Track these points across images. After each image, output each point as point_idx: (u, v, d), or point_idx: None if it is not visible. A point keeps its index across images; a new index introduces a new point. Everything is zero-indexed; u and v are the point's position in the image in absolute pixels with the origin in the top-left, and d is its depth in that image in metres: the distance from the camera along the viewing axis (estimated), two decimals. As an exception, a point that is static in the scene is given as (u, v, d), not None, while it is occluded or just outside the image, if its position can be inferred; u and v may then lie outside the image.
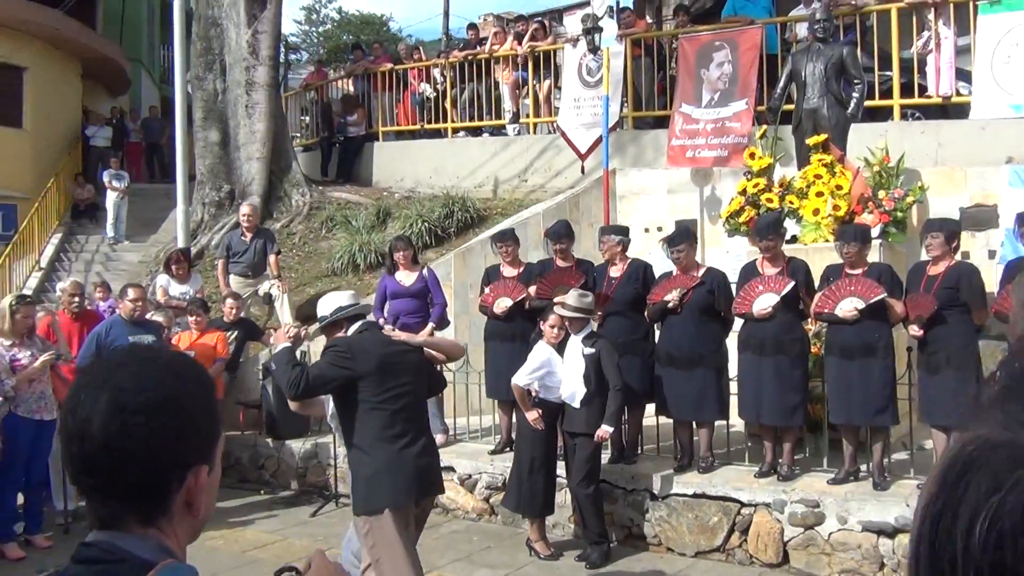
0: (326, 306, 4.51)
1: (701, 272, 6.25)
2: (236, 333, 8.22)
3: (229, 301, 8.29)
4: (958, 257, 5.94)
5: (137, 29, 21.03)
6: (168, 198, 12.54)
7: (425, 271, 7.51)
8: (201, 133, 12.31)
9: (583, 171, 10.41)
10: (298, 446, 7.87)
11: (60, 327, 6.53)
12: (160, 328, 6.83)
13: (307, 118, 15.50)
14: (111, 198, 14.49)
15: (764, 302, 5.78)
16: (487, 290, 7.01)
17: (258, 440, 7.97)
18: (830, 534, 5.43)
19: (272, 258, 9.11)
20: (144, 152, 17.89)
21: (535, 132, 11.99)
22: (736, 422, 6.40)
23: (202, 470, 1.22)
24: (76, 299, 6.68)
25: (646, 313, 6.41)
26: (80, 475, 1.20)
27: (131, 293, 6.21)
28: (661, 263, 7.19)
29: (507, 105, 12.18)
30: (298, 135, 15.41)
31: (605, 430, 5.67)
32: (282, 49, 24.70)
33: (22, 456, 5.90)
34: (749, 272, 6.11)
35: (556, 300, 6.16)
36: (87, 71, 17.14)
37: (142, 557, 1.16)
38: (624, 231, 6.95)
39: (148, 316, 6.76)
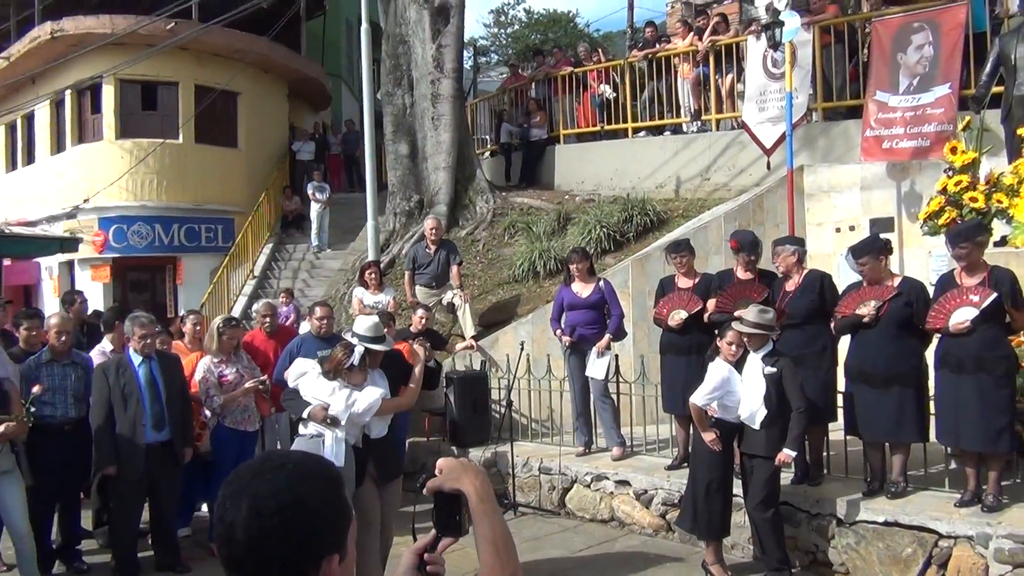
0: (368, 328, 5.14)
1: (897, 282, 5.81)
2: (426, 343, 8.53)
3: (420, 311, 8.61)
4: None
5: (336, 46, 22.34)
6: (366, 207, 13.27)
7: (602, 283, 7.48)
8: (392, 146, 12.89)
9: (768, 167, 9.97)
10: (479, 454, 8.07)
11: (256, 344, 7.07)
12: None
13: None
14: (315, 209, 15.54)
15: (961, 316, 5.29)
16: (661, 302, 6.88)
17: (441, 447, 8.25)
18: (1045, 574, 4.90)
19: (454, 269, 9.41)
20: (344, 163, 18.99)
21: (718, 128, 11.62)
22: (934, 443, 5.90)
23: (334, 559, 1.39)
24: (268, 319, 7.21)
25: (833, 326, 6.04)
26: (231, 571, 1.38)
27: (318, 312, 6.62)
28: (848, 272, 6.76)
29: (688, 102, 11.87)
30: (488, 138, 15.77)
31: (787, 454, 5.41)
32: (471, 53, 25.52)
33: (230, 463, 6.41)
34: (947, 283, 5.60)
35: (735, 314, 5.95)
36: (292, 90, 18.42)
37: None
38: (800, 241, 6.59)
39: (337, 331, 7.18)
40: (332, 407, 5.03)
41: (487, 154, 15.08)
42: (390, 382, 5.27)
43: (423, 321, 8.52)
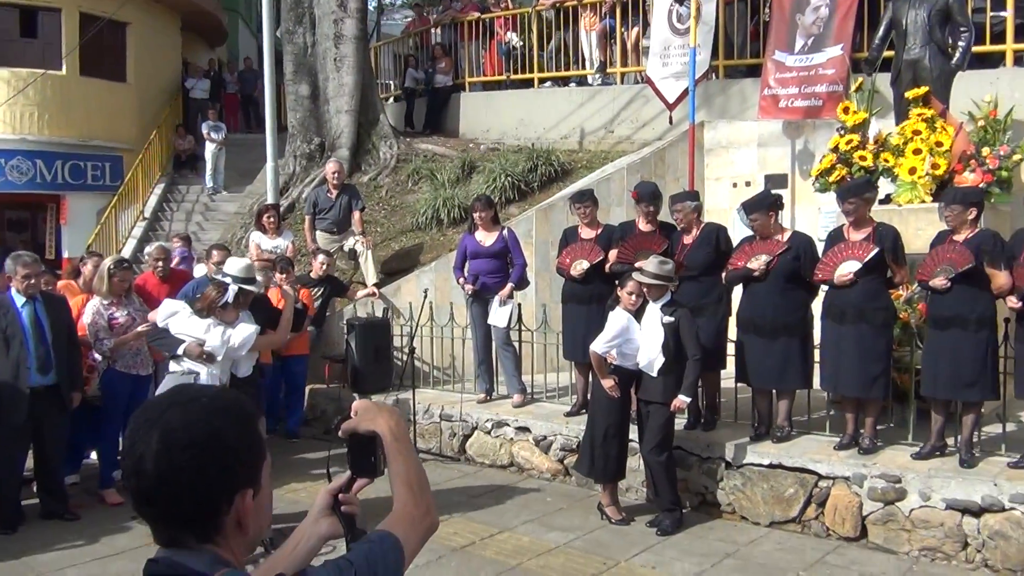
0: (241, 269, 5.43)
1: (786, 236, 6.04)
2: (322, 289, 8.42)
3: (321, 257, 8.47)
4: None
5: (234, -21, 21.39)
6: (264, 149, 12.86)
7: (505, 231, 7.50)
8: (292, 87, 12.50)
9: (671, 122, 10.13)
10: (380, 400, 8.05)
11: (149, 288, 6.83)
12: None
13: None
14: (210, 149, 14.96)
15: (846, 269, 5.56)
16: (564, 252, 6.95)
17: (342, 393, 8.21)
18: (911, 511, 5.26)
19: (357, 214, 9.27)
20: (240, 103, 18.32)
21: (622, 82, 11.72)
22: (818, 390, 6.22)
23: (248, 493, 1.37)
24: (161, 263, 6.96)
25: (723, 277, 6.25)
26: (140, 506, 1.36)
27: (216, 255, 6.45)
28: (743, 226, 6.98)
29: (594, 55, 11.91)
30: (391, 82, 15.47)
31: (682, 400, 5.61)
32: (375, -5, 24.81)
33: (120, 409, 6.23)
34: (835, 237, 5.87)
35: (636, 265, 6.08)
36: (186, 23, 17.59)
37: (199, 570, 1.32)
38: (696, 195, 6.75)
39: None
40: (208, 343, 5.24)
41: (390, 99, 14.81)
42: (258, 324, 5.53)
43: (324, 267, 8.39)
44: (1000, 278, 5.26)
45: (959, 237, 5.40)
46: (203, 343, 5.23)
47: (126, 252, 13.04)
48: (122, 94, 15.85)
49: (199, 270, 7.67)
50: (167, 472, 1.30)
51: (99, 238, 14.12)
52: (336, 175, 9.31)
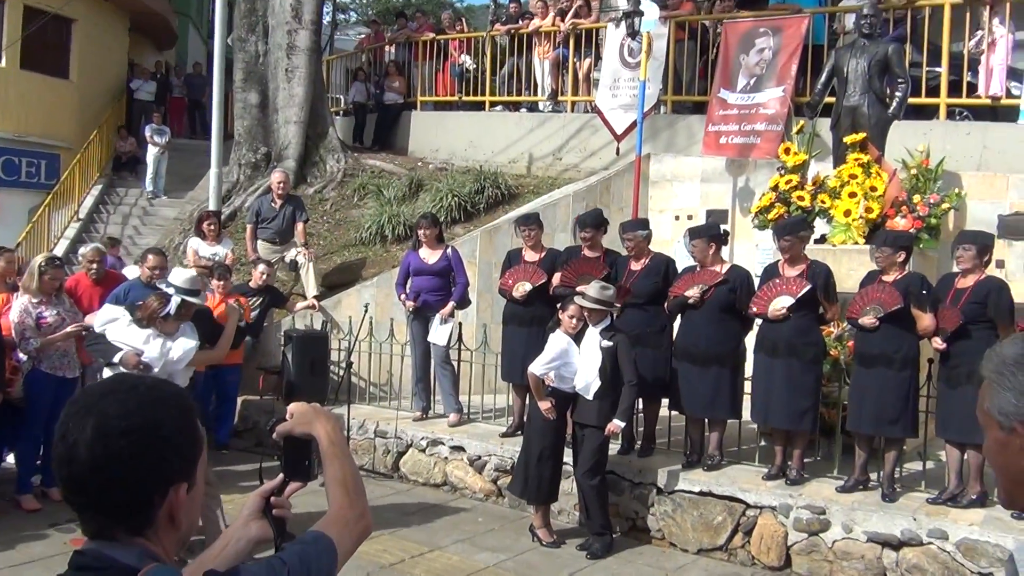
0: (186, 280, 5.33)
1: (725, 269, 6.18)
2: (261, 299, 8.30)
3: (261, 267, 8.34)
4: (990, 271, 5.80)
5: (186, -17, 21.12)
6: (208, 156, 12.69)
7: (449, 250, 7.51)
8: (241, 94, 12.35)
9: (618, 152, 10.31)
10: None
11: (82, 290, 6.65)
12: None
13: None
14: (152, 152, 14.69)
15: (779, 304, 5.71)
16: (507, 273, 6.99)
17: (275, 405, 8.08)
18: (834, 542, 5.40)
19: (300, 226, 9.19)
20: (187, 108, 18.05)
21: (572, 110, 11.88)
22: (750, 421, 6.35)
23: (182, 487, 1.34)
24: (95, 265, 6.77)
25: (665, 306, 6.35)
26: (70, 494, 1.32)
27: (151, 260, 6.29)
28: (686, 255, 7.12)
29: (546, 82, 12.06)
30: (341, 97, 15.40)
31: (617, 424, 5.67)
32: (330, 8, 24.75)
33: (44, 411, 6.04)
34: (770, 272, 6.03)
35: (578, 289, 6.15)
36: (134, 24, 17.30)
37: (128, 564, 1.28)
38: (646, 224, 6.87)
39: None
40: (146, 354, 5.10)
41: (340, 113, 14.75)
42: (199, 336, 5.39)
43: (263, 277, 8.28)
44: (925, 320, 5.47)
45: (888, 278, 5.60)
46: (141, 353, 5.09)
47: (58, 251, 12.69)
48: (63, 91, 15.49)
49: (131, 272, 7.49)
50: (101, 460, 1.27)
51: (30, 236, 13.70)
52: (281, 185, 9.23)
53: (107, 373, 5.15)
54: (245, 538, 1.61)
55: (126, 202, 14.75)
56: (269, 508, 1.63)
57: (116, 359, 5.09)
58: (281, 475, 1.67)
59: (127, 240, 13.64)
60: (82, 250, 6.97)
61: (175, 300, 5.16)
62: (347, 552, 1.54)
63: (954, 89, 9.14)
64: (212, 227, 8.73)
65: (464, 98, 12.93)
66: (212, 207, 9.87)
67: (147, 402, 1.33)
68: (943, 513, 5.24)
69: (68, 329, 6.04)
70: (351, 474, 1.62)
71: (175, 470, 1.33)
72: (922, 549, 5.12)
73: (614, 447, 6.21)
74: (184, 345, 5.21)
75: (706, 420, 6.21)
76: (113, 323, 5.20)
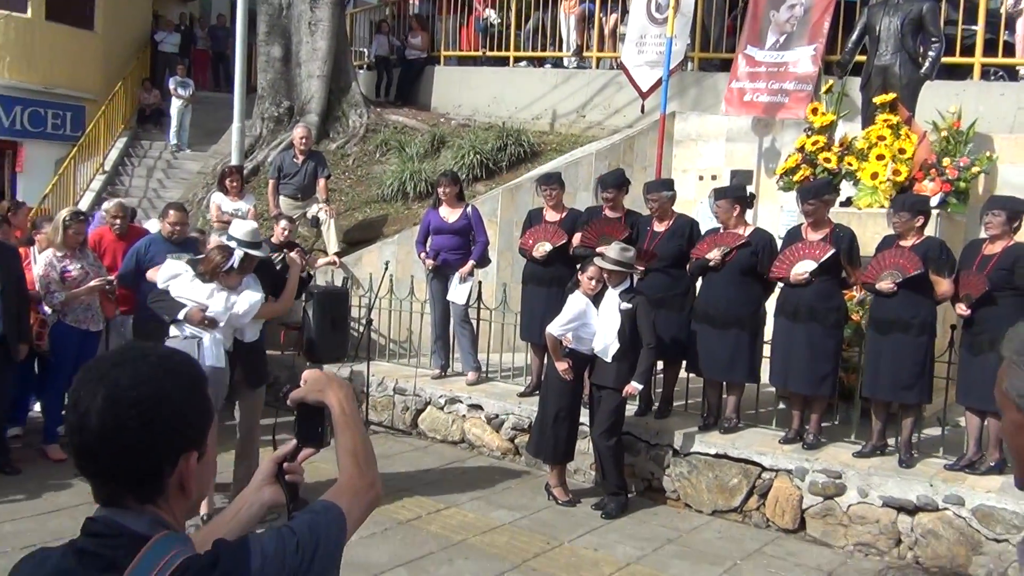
0: (248, 233, 5.18)
1: (748, 232, 6.10)
2: (282, 255, 8.31)
3: (283, 222, 8.32)
4: (1019, 237, 5.69)
5: (210, -67, 20.92)
6: (232, 109, 12.67)
7: (469, 208, 7.48)
8: (264, 47, 12.30)
9: (643, 110, 10.18)
10: (334, 371, 8.03)
11: (106, 245, 6.71)
12: (199, 247, 6.96)
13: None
14: (176, 105, 14.69)
15: (801, 268, 5.65)
16: (528, 233, 6.96)
17: (296, 361, 8.16)
18: (849, 506, 5.40)
19: (322, 182, 9.18)
20: (211, 60, 18.00)
21: (598, 66, 11.72)
22: (768, 385, 6.32)
23: (192, 456, 1.36)
24: (119, 220, 6.81)
25: (687, 268, 6.31)
26: (82, 462, 1.34)
27: (172, 215, 6.31)
28: (709, 216, 7.05)
29: (572, 37, 11.88)
30: (365, 50, 15.29)
31: (634, 386, 5.67)
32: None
33: (69, 363, 6.13)
34: (793, 236, 5.96)
35: (598, 250, 6.12)
36: (158, -25, 17.19)
37: (138, 531, 1.30)
38: (671, 185, 6.78)
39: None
40: (211, 308, 5.03)
41: (363, 67, 14.65)
42: (263, 289, 5.32)
43: (285, 232, 8.26)
44: (943, 285, 5.40)
45: (906, 243, 5.52)
46: (206, 308, 5.00)
47: (83, 205, 12.80)
48: (88, 42, 15.48)
49: (152, 226, 7.54)
50: (111, 429, 1.28)
51: (56, 189, 13.82)
52: (304, 140, 9.20)
53: (172, 330, 5.07)
54: (258, 502, 1.63)
55: (150, 155, 14.82)
56: (282, 473, 1.65)
57: (180, 315, 5.00)
58: (294, 440, 1.69)
59: (151, 193, 13.73)
60: (105, 205, 6.99)
61: (238, 253, 5.05)
62: (357, 521, 1.55)
63: (990, 48, 8.91)
64: (235, 183, 8.73)
65: (488, 53, 12.80)
66: (235, 162, 9.87)
67: (158, 372, 1.34)
68: (960, 479, 5.21)
69: (92, 283, 6.11)
70: (362, 444, 1.63)
71: (185, 439, 1.35)
72: (938, 515, 5.11)
73: (631, 408, 6.22)
74: (249, 298, 5.13)
75: (724, 383, 6.20)
76: (176, 279, 5.11)
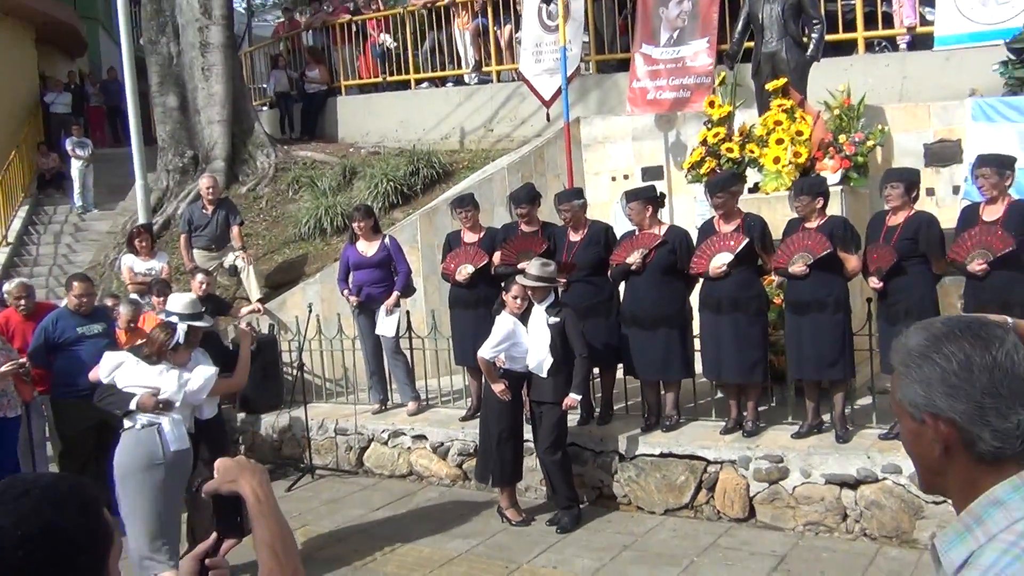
0: (187, 305, 5.03)
1: (663, 231, 6.19)
2: (204, 309, 8.13)
3: (200, 276, 8.15)
4: (920, 202, 5.91)
5: (90, -15, 20.41)
6: (134, 164, 12.35)
7: (387, 239, 7.43)
8: (159, 98, 12.02)
9: (548, 118, 10.23)
10: (271, 419, 7.89)
11: (13, 327, 6.46)
12: (110, 315, 6.76)
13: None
14: (76, 166, 14.21)
15: (719, 260, 5.76)
16: (448, 257, 6.95)
17: (232, 414, 7.98)
18: (794, 488, 5.51)
19: (235, 229, 9.01)
20: (106, 116, 17.52)
21: (499, 80, 11.77)
22: (703, 377, 6.42)
23: None
24: (23, 301, 6.55)
25: (609, 274, 6.37)
26: None
27: (76, 287, 6.11)
28: (624, 219, 7.12)
29: (469, 54, 11.91)
30: (267, 86, 15.07)
31: (573, 398, 5.70)
32: (243, -4, 24.11)
33: (-11, 453, 5.89)
34: (707, 230, 6.07)
35: (519, 267, 6.15)
36: (41, 35, 16.64)
37: None
38: (581, 193, 6.85)
39: (98, 303, 6.71)
40: (163, 390, 4.77)
41: (265, 106, 14.45)
42: (213, 360, 5.12)
43: (203, 287, 8.08)
44: (852, 261, 5.58)
45: (811, 225, 5.68)
46: (157, 392, 4.75)
47: (-10, 280, 12.30)
48: (-26, 113, 14.90)
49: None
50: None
51: (-41, 267, 13.24)
52: (211, 190, 9.01)
53: (126, 422, 4.80)
54: None
55: (56, 220, 14.29)
56: (204, 570, 1.60)
57: (132, 405, 4.73)
58: (215, 533, 1.64)
59: (60, 259, 13.28)
60: (7, 287, 6.68)
61: (181, 328, 4.83)
62: None
63: (870, 21, 9.22)
64: (144, 243, 8.52)
65: (388, 78, 12.74)
66: (142, 219, 9.62)
67: (43, 505, 1.27)
68: (895, 447, 5.36)
69: (2, 369, 5.86)
70: (279, 534, 1.59)
71: (82, 572, 1.29)
72: (878, 485, 5.26)
73: (573, 418, 6.25)
74: (204, 373, 4.91)
75: (661, 382, 6.27)
76: (119, 368, 4.86)
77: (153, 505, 4.63)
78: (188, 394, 4.85)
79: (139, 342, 5.18)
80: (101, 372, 4.99)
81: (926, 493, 1.43)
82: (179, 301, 5.05)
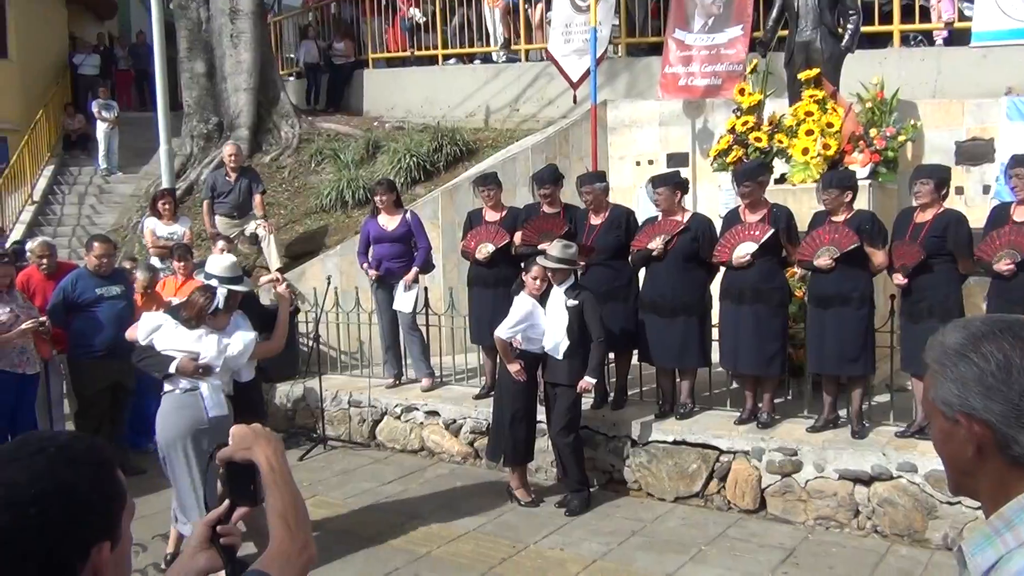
0: (226, 268, 4.87)
1: (686, 217, 6.13)
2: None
3: (220, 243, 8.16)
4: (949, 199, 5.82)
5: (123, -52, 20.38)
6: (159, 129, 12.38)
7: (408, 215, 7.41)
8: (187, 64, 12.04)
9: (575, 100, 10.17)
10: (287, 389, 7.93)
11: (35, 285, 6.50)
12: (128, 277, 6.79)
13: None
14: (101, 128, 14.29)
15: (742, 250, 5.70)
16: (469, 235, 6.92)
17: (248, 383, 8.00)
18: (807, 481, 5.48)
19: (257, 198, 9.03)
20: (134, 80, 17.55)
21: (527, 59, 11.69)
22: (720, 366, 6.38)
23: (105, 547, 1.27)
24: (45, 260, 6.59)
25: (630, 259, 6.32)
26: None
27: (97, 248, 6.13)
28: (647, 203, 7.07)
29: (498, 31, 11.83)
30: (292, 56, 15.05)
31: (588, 381, 5.68)
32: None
33: (8, 409, 5.95)
34: (732, 219, 6.00)
35: (540, 247, 6.11)
36: (72, -5, 16.71)
37: None
38: (603, 176, 6.79)
39: (117, 265, 6.73)
40: (203, 355, 4.68)
41: (293, 75, 14.43)
42: (252, 323, 5.00)
43: (224, 254, 8.13)
44: (879, 256, 5.50)
45: (838, 218, 5.60)
46: (197, 356, 4.68)
47: (15, 236, 12.41)
48: (4, 71, 14.98)
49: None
50: (12, 531, 1.20)
51: (-16, 224, 13.36)
52: (233, 158, 9.02)
53: (166, 386, 4.75)
54: (194, 571, 1.57)
55: (80, 181, 14.39)
56: (217, 537, 1.59)
57: (172, 369, 4.65)
58: (227, 500, 1.63)
59: (84, 220, 13.37)
60: (29, 244, 6.71)
61: (220, 291, 4.69)
62: None
63: (907, 14, 9.08)
64: (167, 206, 8.54)
65: (416, 53, 12.68)
66: (165, 184, 9.65)
67: (57, 464, 1.26)
68: (911, 446, 5.32)
69: (24, 325, 5.91)
70: (291, 503, 1.57)
71: (95, 531, 1.27)
72: (892, 483, 5.21)
73: (587, 402, 6.23)
74: (243, 338, 4.79)
75: (676, 369, 6.24)
76: (158, 331, 4.76)
77: (199, 468, 4.57)
78: (228, 359, 4.76)
79: (178, 302, 5.08)
80: (139, 333, 4.88)
81: (954, 495, 1.39)
82: (219, 263, 4.90)
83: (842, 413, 5.78)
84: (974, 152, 7.72)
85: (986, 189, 7.66)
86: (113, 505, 1.31)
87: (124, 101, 16.25)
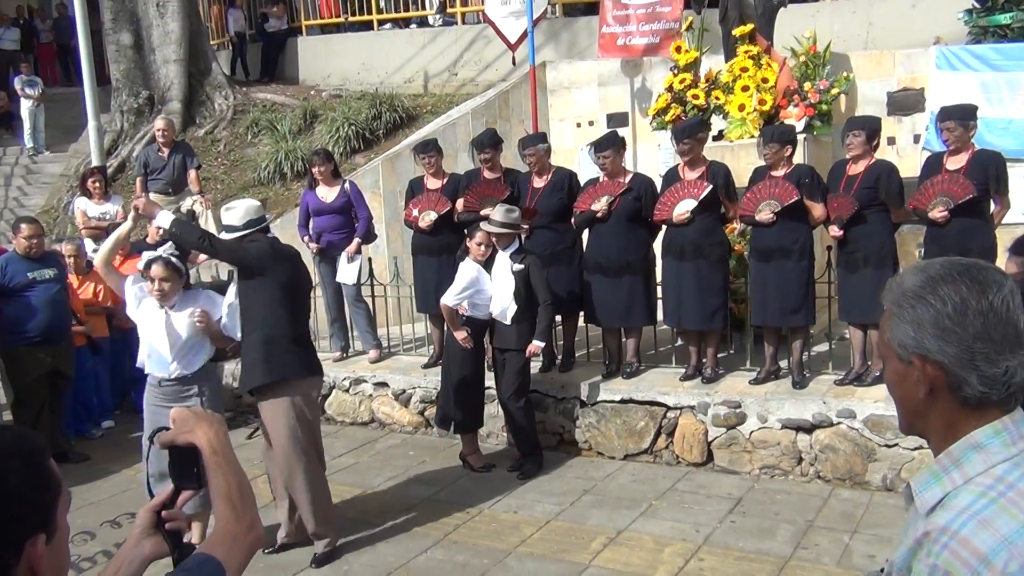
0: (235, 216, 4.78)
1: (628, 178, 6.15)
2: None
3: (156, 223, 7.99)
4: (881, 150, 5.93)
5: (37, -85, 19.52)
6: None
7: (347, 185, 7.30)
8: (112, 36, 11.63)
9: (514, 62, 10.09)
10: (232, 367, 7.80)
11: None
12: (61, 260, 6.60)
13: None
14: (25, 106, 13.75)
15: (682, 207, 5.75)
16: (411, 203, 6.86)
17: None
18: (751, 432, 5.60)
19: (192, 173, 8.80)
20: (56, 54, 16.93)
21: (464, 22, 11.55)
22: (664, 324, 6.46)
23: (39, 539, 1.24)
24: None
25: (572, 221, 6.33)
26: None
27: (24, 230, 5.94)
28: (589, 165, 7.08)
29: (433, -6, 11.67)
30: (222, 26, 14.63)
31: (537, 345, 5.70)
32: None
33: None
34: (671, 177, 6.04)
35: (482, 213, 6.08)
36: (-15, -33, 16.00)
37: None
38: (544, 137, 6.77)
39: (48, 248, 6.55)
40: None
41: (225, 46, 14.05)
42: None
43: (160, 231, 7.94)
44: (817, 210, 5.60)
45: (777, 173, 5.68)
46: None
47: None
48: (-84, 49, 14.33)
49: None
50: None
51: (-95, 210, 12.84)
52: (164, 133, 8.76)
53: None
54: (138, 558, 1.54)
55: (5, 162, 13.86)
56: (162, 522, 1.57)
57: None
58: (172, 486, 1.61)
59: (12, 202, 12.93)
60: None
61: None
62: (238, 569, 1.48)
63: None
64: (98, 185, 8.29)
65: (351, 18, 12.44)
66: (95, 162, 9.37)
67: None
68: (850, 393, 5.47)
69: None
70: (236, 484, 1.55)
71: (27, 524, 1.23)
72: (833, 429, 5.36)
73: (535, 365, 6.26)
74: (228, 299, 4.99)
75: (622, 329, 6.29)
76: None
77: None
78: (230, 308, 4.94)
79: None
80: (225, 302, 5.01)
81: (905, 434, 1.42)
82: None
83: (783, 364, 5.90)
84: (905, 102, 7.86)
85: (917, 139, 7.82)
86: (46, 496, 1.28)
87: (48, 76, 15.70)
